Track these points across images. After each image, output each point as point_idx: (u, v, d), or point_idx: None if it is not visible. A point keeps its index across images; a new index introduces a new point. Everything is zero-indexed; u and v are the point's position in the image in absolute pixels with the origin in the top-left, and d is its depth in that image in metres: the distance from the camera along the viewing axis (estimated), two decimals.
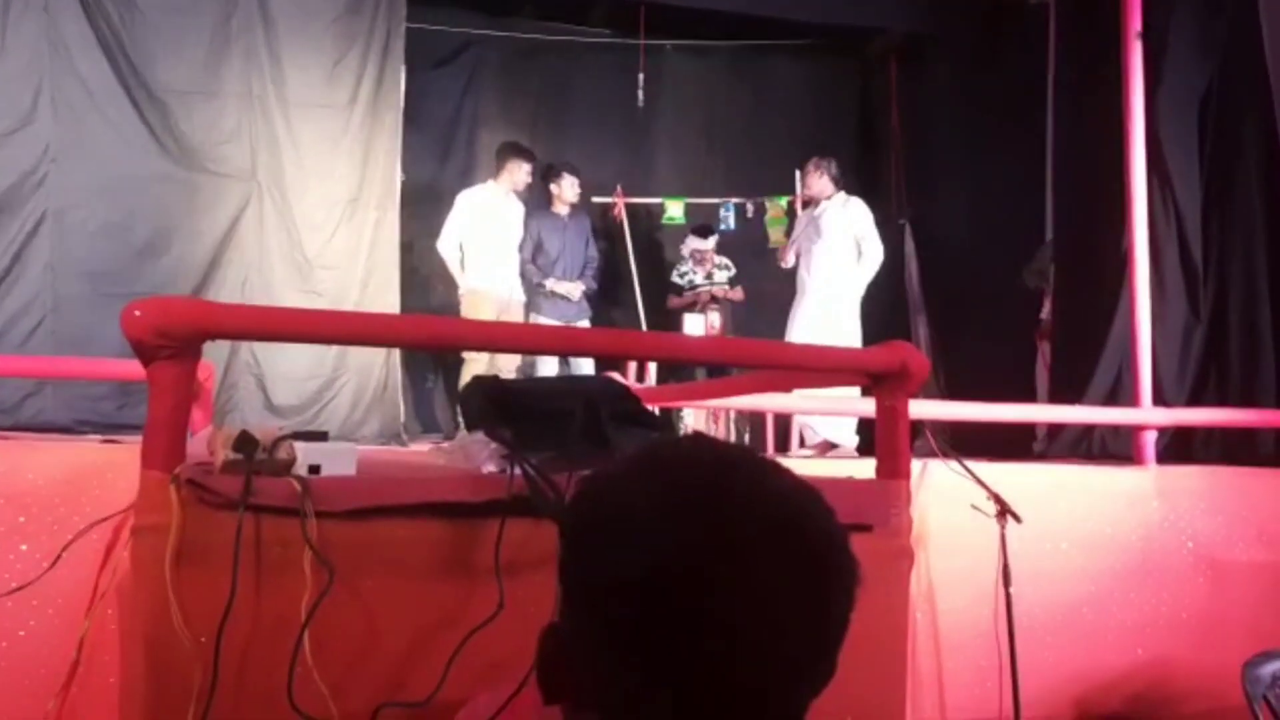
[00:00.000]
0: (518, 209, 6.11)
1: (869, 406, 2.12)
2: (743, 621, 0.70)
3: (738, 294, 6.76)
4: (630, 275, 7.01)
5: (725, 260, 6.84)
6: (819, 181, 5.81)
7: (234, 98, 5.39)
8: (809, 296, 5.71)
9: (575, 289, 6.10)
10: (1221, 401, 4.04)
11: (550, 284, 6.05)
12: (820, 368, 2.36)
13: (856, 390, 4.56)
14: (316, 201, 5.49)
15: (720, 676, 0.71)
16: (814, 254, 5.72)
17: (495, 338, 2.53)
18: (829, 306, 5.58)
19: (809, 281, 5.75)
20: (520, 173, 6.01)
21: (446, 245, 5.89)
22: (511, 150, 6.09)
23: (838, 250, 5.64)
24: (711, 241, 6.84)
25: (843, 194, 5.79)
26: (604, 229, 7.10)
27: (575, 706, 0.78)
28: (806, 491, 0.78)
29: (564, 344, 3.16)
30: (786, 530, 0.74)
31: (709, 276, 6.73)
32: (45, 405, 4.91)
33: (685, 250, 6.84)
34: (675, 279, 6.83)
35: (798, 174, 6.62)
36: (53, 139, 5.05)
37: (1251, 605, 2.93)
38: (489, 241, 5.91)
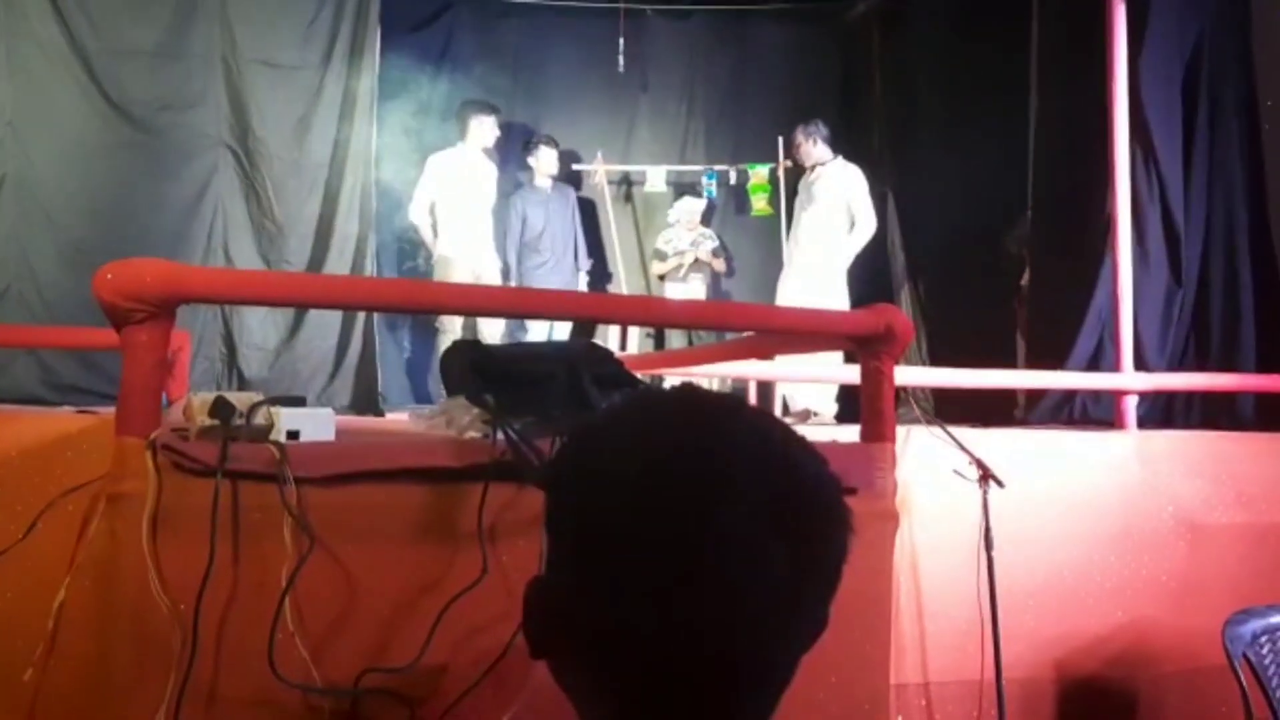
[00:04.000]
0: (491, 170, 5.97)
1: (853, 373, 2.11)
2: (725, 570, 0.68)
3: (720, 264, 6.75)
4: (611, 244, 6.97)
5: (709, 231, 6.82)
6: (815, 149, 5.73)
7: (200, 60, 5.27)
8: (796, 265, 5.65)
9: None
10: (1202, 366, 4.06)
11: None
12: (805, 331, 2.35)
13: (836, 357, 4.59)
14: (288, 167, 5.40)
15: (700, 625, 0.69)
16: (804, 221, 5.66)
17: (473, 301, 2.49)
18: (817, 275, 5.52)
19: (797, 249, 5.68)
20: (485, 127, 5.85)
21: (417, 212, 5.72)
22: (471, 107, 5.93)
23: (830, 218, 5.58)
24: (702, 203, 6.81)
25: (840, 159, 5.72)
26: (584, 197, 7.04)
27: (560, 659, 0.76)
28: (795, 440, 0.76)
29: (543, 307, 3.11)
30: (772, 477, 0.72)
31: (694, 244, 6.69)
32: (16, 375, 4.84)
33: (674, 215, 6.78)
34: (660, 245, 6.78)
35: (780, 141, 6.58)
36: (10, 103, 4.94)
37: (1231, 567, 2.95)
38: (461, 206, 5.75)
